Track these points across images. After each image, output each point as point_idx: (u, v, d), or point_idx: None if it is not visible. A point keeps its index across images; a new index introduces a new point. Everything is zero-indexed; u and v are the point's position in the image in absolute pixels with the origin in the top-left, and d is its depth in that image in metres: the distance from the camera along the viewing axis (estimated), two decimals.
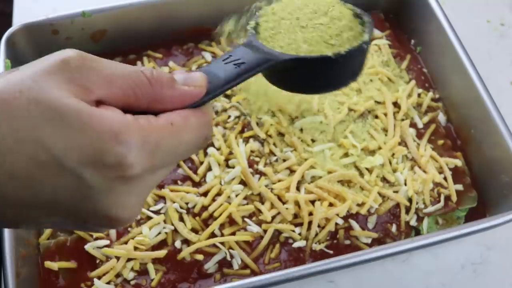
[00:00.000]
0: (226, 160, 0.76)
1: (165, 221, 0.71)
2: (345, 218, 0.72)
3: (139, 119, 0.34)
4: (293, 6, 0.50)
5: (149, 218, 0.71)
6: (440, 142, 0.81)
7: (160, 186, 0.74)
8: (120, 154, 0.31)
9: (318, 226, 0.71)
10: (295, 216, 0.72)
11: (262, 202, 0.73)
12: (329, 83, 0.50)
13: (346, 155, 0.77)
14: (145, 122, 0.34)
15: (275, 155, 0.77)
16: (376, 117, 0.82)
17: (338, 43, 0.47)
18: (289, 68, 0.46)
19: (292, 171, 0.75)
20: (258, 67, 0.43)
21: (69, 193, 0.32)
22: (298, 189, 0.73)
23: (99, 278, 0.66)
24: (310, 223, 0.71)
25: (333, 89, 0.53)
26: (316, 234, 0.71)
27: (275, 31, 0.48)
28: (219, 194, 0.73)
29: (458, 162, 0.78)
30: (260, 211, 0.72)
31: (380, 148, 0.78)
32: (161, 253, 0.68)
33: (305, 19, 0.48)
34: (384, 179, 0.76)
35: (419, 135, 0.81)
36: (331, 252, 0.71)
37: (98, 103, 0.34)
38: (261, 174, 0.75)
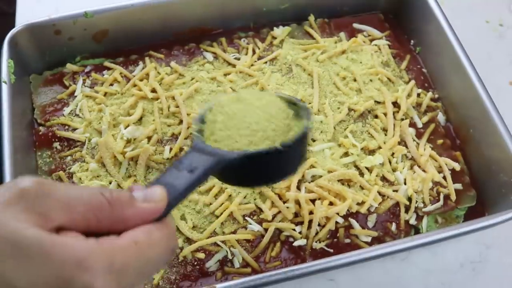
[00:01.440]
0: None
1: None
2: (345, 217, 0.73)
3: (102, 243, 0.33)
4: (232, 108, 0.50)
5: None
6: (440, 141, 0.82)
7: None
8: (87, 281, 0.31)
9: (319, 224, 0.71)
10: (296, 215, 0.72)
11: (263, 201, 0.73)
12: (279, 173, 0.51)
13: (346, 154, 0.78)
14: (109, 245, 0.33)
15: None
16: (376, 116, 0.82)
17: (279, 134, 0.48)
18: (239, 165, 0.47)
19: None
20: (211, 169, 0.43)
21: None
22: (298, 188, 0.73)
23: None
24: (310, 222, 0.71)
25: (282, 179, 0.53)
26: (317, 233, 0.71)
27: (220, 134, 0.49)
28: (220, 192, 0.73)
29: (457, 166, 0.79)
30: (261, 210, 0.72)
31: (379, 147, 0.79)
32: None
33: (244, 120, 0.49)
34: (384, 178, 0.76)
35: (419, 135, 0.82)
36: (331, 250, 0.71)
37: (59, 229, 0.33)
38: None
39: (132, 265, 0.33)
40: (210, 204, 0.72)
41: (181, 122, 0.79)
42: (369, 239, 0.73)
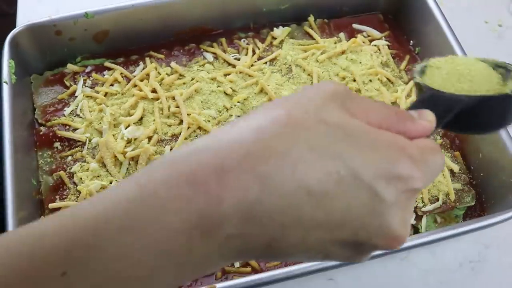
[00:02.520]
0: None
1: None
2: None
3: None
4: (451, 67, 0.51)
5: None
6: (439, 141, 0.82)
7: None
8: (410, 167, 0.32)
9: None
10: None
11: None
12: (502, 121, 0.49)
13: None
14: (418, 141, 0.35)
15: None
16: None
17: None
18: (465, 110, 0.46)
19: None
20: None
21: (361, 209, 0.31)
22: None
23: None
24: None
25: (501, 127, 0.51)
26: None
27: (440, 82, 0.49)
28: None
29: (456, 166, 0.79)
30: None
31: None
32: None
33: (461, 79, 0.49)
34: None
35: None
36: None
37: None
38: None
39: (431, 162, 0.35)
40: None
41: (181, 122, 0.79)
42: None
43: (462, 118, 0.47)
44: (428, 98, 0.46)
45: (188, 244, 0.29)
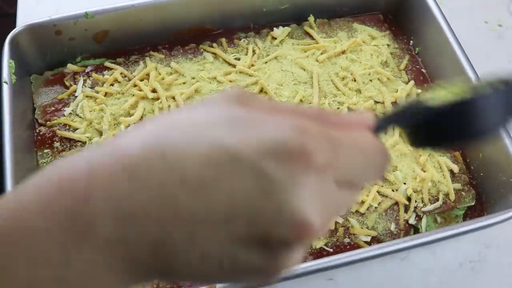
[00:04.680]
0: None
1: None
2: (345, 216, 0.73)
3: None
4: None
5: None
6: None
7: None
8: (303, 141, 0.27)
9: None
10: None
11: None
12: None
13: None
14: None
15: None
16: None
17: None
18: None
19: None
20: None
21: (249, 193, 0.27)
22: None
23: None
24: None
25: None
26: None
27: None
28: None
29: (456, 166, 0.79)
30: None
31: None
32: None
33: None
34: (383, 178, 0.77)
35: None
36: (330, 250, 0.71)
37: None
38: None
39: (345, 142, 0.30)
40: None
41: None
42: (368, 239, 0.73)
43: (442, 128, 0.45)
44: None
45: (63, 249, 0.26)
